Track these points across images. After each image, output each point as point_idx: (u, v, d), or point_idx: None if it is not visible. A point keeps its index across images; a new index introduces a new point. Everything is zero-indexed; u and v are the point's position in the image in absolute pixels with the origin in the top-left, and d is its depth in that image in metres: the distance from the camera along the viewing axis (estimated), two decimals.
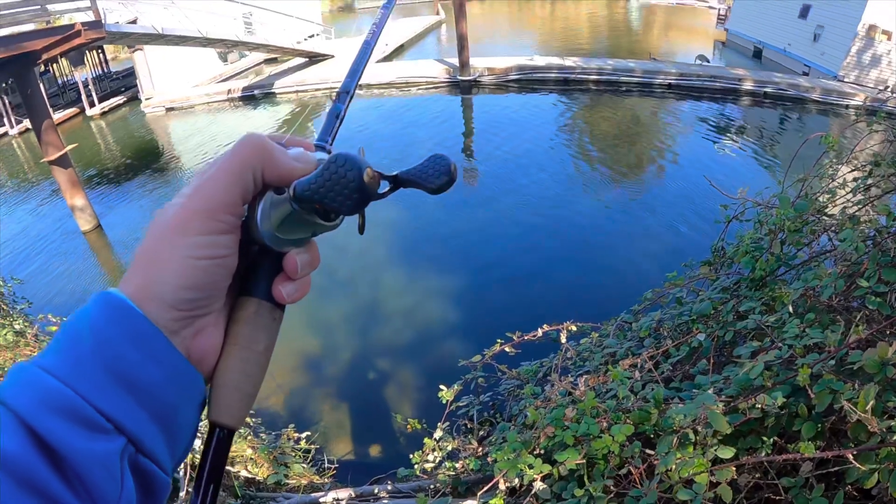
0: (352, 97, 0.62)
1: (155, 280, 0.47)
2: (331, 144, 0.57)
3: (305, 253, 0.53)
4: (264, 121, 20.35)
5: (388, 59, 25.19)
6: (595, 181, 12.83)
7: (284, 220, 0.49)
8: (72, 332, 0.45)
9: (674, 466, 1.81)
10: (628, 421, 2.20)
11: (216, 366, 0.51)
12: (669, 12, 35.44)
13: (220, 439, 0.50)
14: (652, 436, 2.16)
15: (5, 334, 4.66)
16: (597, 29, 32.15)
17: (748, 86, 17.24)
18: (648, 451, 2.08)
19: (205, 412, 0.51)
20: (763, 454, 1.80)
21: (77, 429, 0.41)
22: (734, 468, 1.76)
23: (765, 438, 1.83)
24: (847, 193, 3.00)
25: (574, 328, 3.67)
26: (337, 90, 0.62)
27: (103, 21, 12.98)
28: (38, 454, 0.40)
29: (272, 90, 22.44)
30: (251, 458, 4.61)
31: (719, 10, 28.70)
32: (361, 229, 0.54)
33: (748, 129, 15.66)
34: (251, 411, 4.96)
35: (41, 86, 13.08)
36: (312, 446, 5.36)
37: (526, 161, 13.61)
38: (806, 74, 18.57)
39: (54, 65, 25.12)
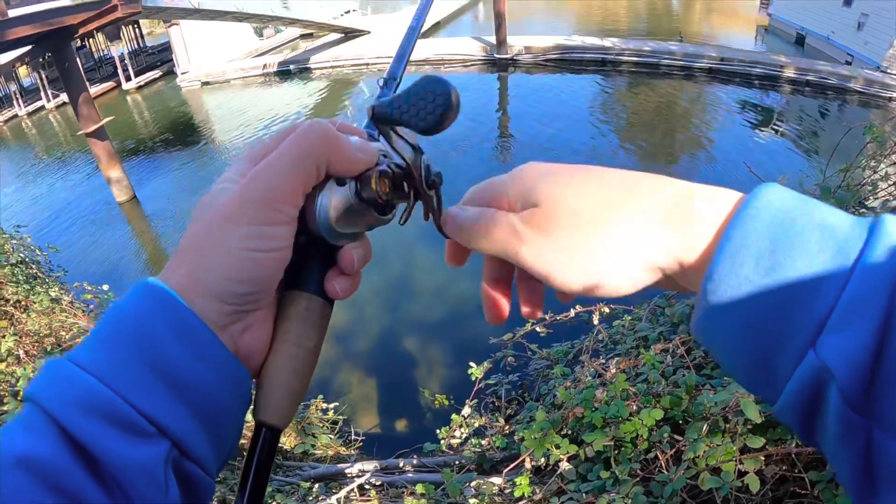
0: (399, 83, 0.58)
1: (204, 271, 0.43)
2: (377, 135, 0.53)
3: (360, 248, 0.51)
4: (299, 96, 20.38)
5: (424, 35, 25.05)
6: (631, 164, 12.68)
7: (345, 213, 0.47)
8: (111, 326, 0.42)
9: (702, 453, 1.81)
10: (658, 405, 2.19)
11: (264, 363, 0.48)
12: None
13: (267, 440, 0.47)
14: (681, 422, 2.16)
15: (41, 300, 4.77)
16: (635, 10, 31.58)
17: (790, 73, 16.83)
18: (677, 436, 2.08)
19: (250, 410, 0.48)
20: (792, 445, 1.79)
21: (117, 432, 0.38)
22: (762, 458, 1.75)
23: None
24: (889, 186, 2.94)
25: (607, 310, 3.65)
26: (384, 77, 0.58)
27: None
28: (73, 459, 0.37)
29: (307, 65, 22.45)
30: None
31: None
32: (404, 220, 0.51)
33: (788, 116, 15.32)
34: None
35: (78, 60, 13.24)
36: (340, 417, 5.42)
37: (561, 141, 13.49)
38: (849, 63, 18.09)
39: (91, 39, 25.50)
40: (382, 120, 0.44)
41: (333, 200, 0.47)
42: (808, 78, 16.45)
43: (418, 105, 0.44)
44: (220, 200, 0.45)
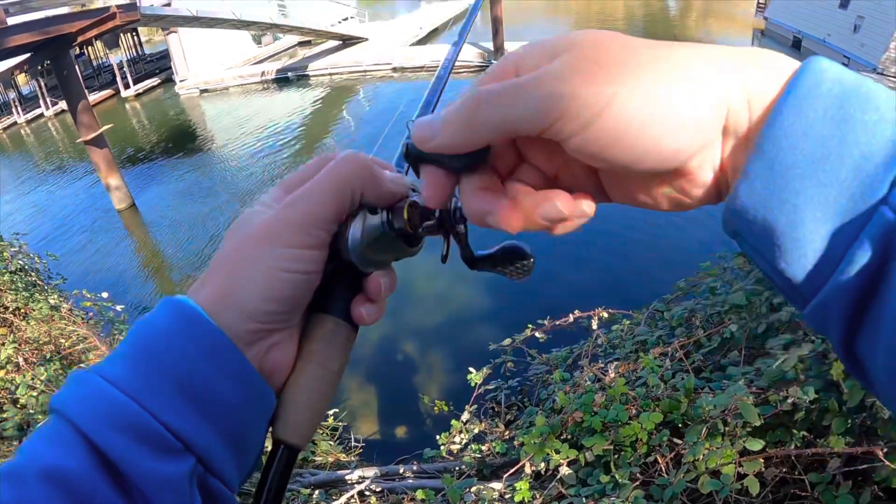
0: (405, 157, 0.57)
1: (235, 288, 0.44)
2: (406, 171, 0.54)
3: (387, 276, 0.51)
4: (297, 103, 20.40)
5: (421, 42, 25.13)
6: None
7: (375, 241, 0.48)
8: (139, 341, 0.42)
9: (702, 456, 1.81)
10: (657, 409, 2.20)
11: (287, 382, 0.48)
12: None
13: (284, 458, 0.48)
14: (680, 425, 2.16)
15: (41, 308, 4.77)
16: (633, 15, 31.66)
17: None
18: (676, 440, 2.08)
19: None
20: (792, 447, 1.80)
21: (146, 448, 0.38)
22: (762, 460, 1.75)
23: (794, 432, 1.82)
24: None
25: (605, 315, 3.66)
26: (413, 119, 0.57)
27: (138, 4, 13.14)
28: (101, 473, 0.37)
29: (306, 73, 22.50)
30: None
31: None
32: (444, 259, 0.50)
33: None
34: None
35: (77, 68, 13.30)
36: (340, 424, 5.41)
37: None
38: (845, 66, 18.13)
39: (89, 47, 25.63)
40: (415, 158, 0.43)
41: (365, 228, 0.48)
42: None
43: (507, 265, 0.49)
44: (255, 222, 0.46)
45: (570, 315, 3.70)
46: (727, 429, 1.87)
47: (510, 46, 19.74)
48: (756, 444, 1.77)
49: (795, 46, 21.60)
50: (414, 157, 0.42)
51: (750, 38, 24.47)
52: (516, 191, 0.40)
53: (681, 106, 0.33)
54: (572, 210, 0.39)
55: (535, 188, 0.41)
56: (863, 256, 0.31)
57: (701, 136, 0.34)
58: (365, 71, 21.89)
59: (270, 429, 0.48)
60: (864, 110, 0.31)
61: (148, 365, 0.41)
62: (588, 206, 0.40)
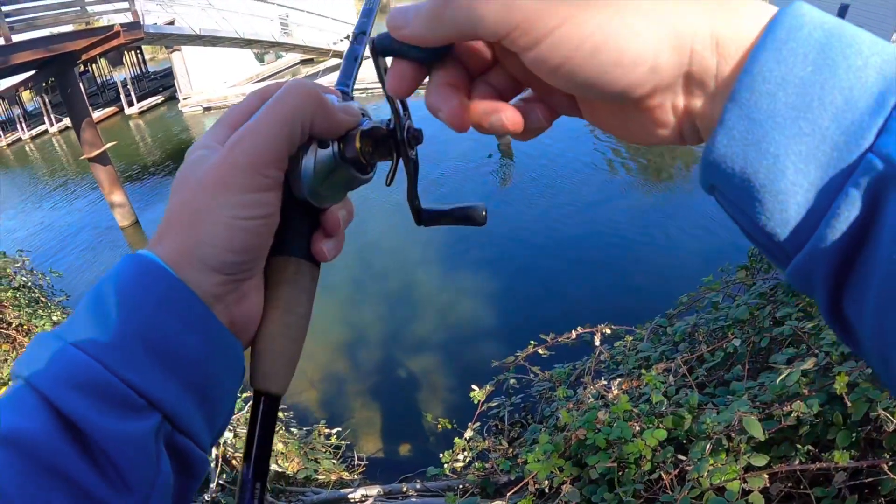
0: (368, 36, 0.56)
1: (196, 243, 0.43)
2: (351, 89, 0.55)
3: (343, 208, 0.50)
4: None
5: None
6: (631, 182, 12.69)
7: (329, 175, 0.47)
8: (99, 298, 0.41)
9: (706, 473, 1.80)
10: (661, 425, 2.18)
11: (258, 331, 0.48)
12: None
13: (266, 407, 0.47)
14: (685, 441, 2.15)
15: (43, 325, 4.78)
16: None
17: None
18: (681, 456, 2.07)
19: (246, 380, 0.49)
20: (796, 462, 1.78)
21: (106, 407, 0.37)
22: (767, 476, 1.74)
23: (798, 446, 1.81)
24: None
25: (608, 331, 3.65)
26: (353, 32, 0.57)
27: (142, 22, 13.22)
28: (61, 435, 0.36)
29: None
30: (282, 453, 4.66)
31: None
32: (389, 181, 0.50)
33: None
34: (282, 406, 5.04)
35: (81, 85, 13.39)
36: (343, 442, 5.40)
37: (563, 161, 13.51)
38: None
39: (94, 65, 25.85)
40: (380, 50, 0.42)
41: (317, 162, 0.46)
42: None
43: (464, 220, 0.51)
44: (202, 168, 0.44)
45: (573, 331, 3.69)
46: (731, 444, 1.86)
47: None
48: (761, 460, 1.76)
49: (841, 14, 21.67)
50: (379, 50, 0.41)
51: None
52: (475, 94, 0.40)
53: (637, 41, 0.32)
54: (516, 127, 0.39)
55: (504, 91, 0.41)
56: (849, 208, 0.29)
57: (655, 76, 0.33)
58: (367, 88, 21.97)
59: (249, 380, 0.48)
60: (846, 55, 0.30)
61: (108, 322, 0.40)
62: (536, 123, 0.41)
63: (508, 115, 0.39)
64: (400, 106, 0.47)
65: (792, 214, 0.31)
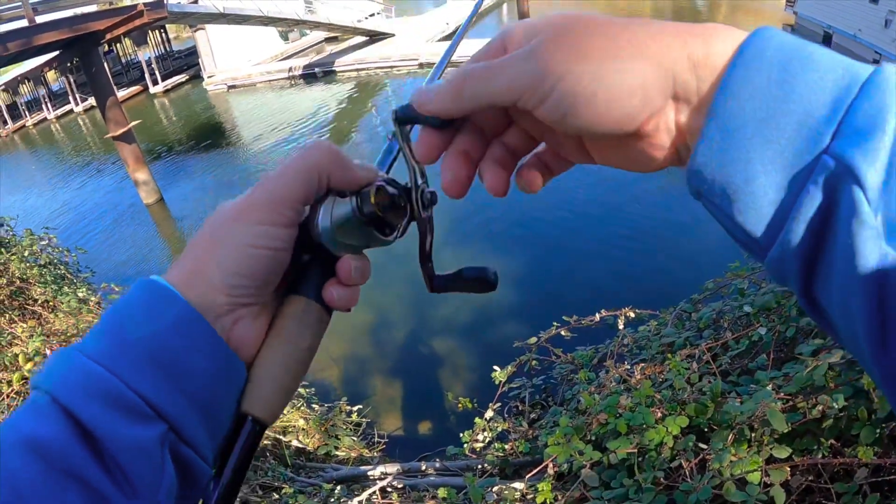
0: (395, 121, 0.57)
1: (206, 265, 0.47)
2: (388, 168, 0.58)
3: (358, 261, 0.53)
4: (324, 99, 20.49)
5: (448, 38, 25.07)
6: (650, 174, 12.57)
7: (344, 223, 0.50)
8: (114, 318, 0.45)
9: (727, 463, 1.79)
10: (683, 413, 2.17)
11: (257, 356, 0.50)
12: None
13: (251, 432, 0.48)
14: (706, 430, 2.13)
15: (69, 301, 4.84)
16: (661, 10, 31.33)
17: None
18: (702, 444, 2.05)
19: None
20: (819, 456, 1.76)
21: (118, 414, 0.40)
22: (788, 469, 1.73)
23: (822, 440, 1.79)
24: None
25: (632, 315, 3.63)
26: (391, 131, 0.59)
27: (165, 1, 13.27)
28: (77, 440, 0.39)
29: (332, 68, 22.60)
30: (303, 429, 4.71)
31: None
32: (401, 234, 0.55)
33: None
34: (305, 382, 5.08)
35: (105, 65, 13.52)
36: (363, 420, 5.45)
37: None
38: (877, 62, 17.72)
39: (118, 44, 26.06)
40: (402, 119, 0.48)
41: (334, 211, 0.50)
42: None
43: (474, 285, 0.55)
44: (228, 206, 0.50)
45: (597, 314, 3.67)
46: (754, 435, 1.84)
47: None
48: (783, 452, 1.74)
49: (826, 42, 21.22)
50: (401, 119, 0.48)
51: None
52: (488, 156, 0.48)
53: (626, 79, 0.38)
54: (495, 192, 0.48)
55: (518, 148, 0.49)
56: (810, 203, 0.34)
57: (649, 103, 0.39)
58: (391, 66, 21.92)
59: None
60: (804, 71, 0.35)
61: (122, 339, 0.43)
62: (522, 185, 0.50)
63: (487, 181, 0.48)
64: (417, 170, 0.51)
65: (764, 212, 0.36)
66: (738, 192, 0.36)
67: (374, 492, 3.47)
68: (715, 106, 0.37)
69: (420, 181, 0.51)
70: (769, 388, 1.96)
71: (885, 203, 0.32)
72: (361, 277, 0.53)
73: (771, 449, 1.75)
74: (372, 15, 26.77)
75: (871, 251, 0.32)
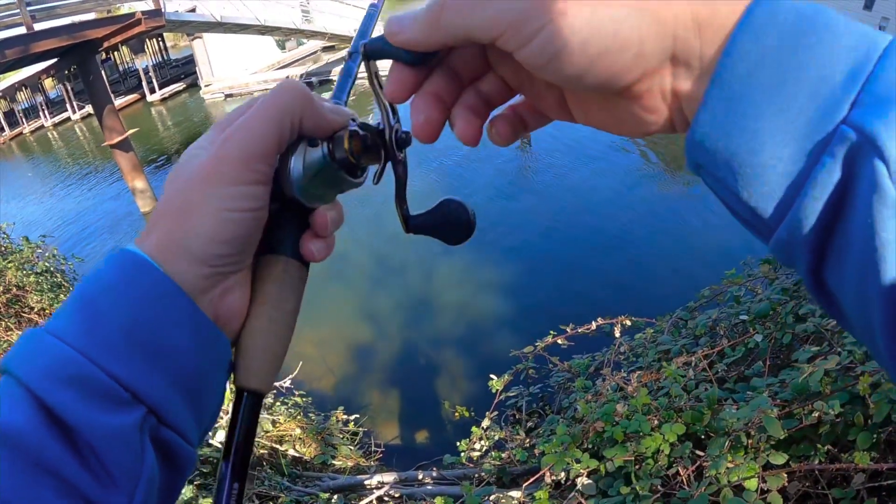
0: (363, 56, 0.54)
1: (183, 233, 0.43)
2: (345, 103, 0.55)
3: (333, 210, 0.50)
4: None
5: None
6: (653, 174, 12.58)
7: (318, 174, 0.47)
8: (85, 294, 0.42)
9: (724, 470, 1.79)
10: (680, 420, 2.17)
11: (243, 327, 0.48)
12: None
13: (249, 405, 0.47)
14: (703, 437, 2.13)
15: None
16: None
17: None
18: (699, 451, 2.05)
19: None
20: (816, 462, 1.77)
21: (91, 400, 0.38)
22: (785, 475, 1.73)
23: (818, 446, 1.79)
24: None
25: (628, 323, 3.63)
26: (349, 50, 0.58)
27: (163, 10, 13.27)
28: (48, 429, 0.37)
29: (329, 77, 22.61)
30: (299, 438, 4.69)
31: None
32: (377, 179, 0.51)
33: None
34: (301, 391, 5.07)
35: (103, 72, 13.52)
36: (360, 429, 5.43)
37: (581, 152, 13.43)
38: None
39: (115, 52, 26.11)
40: (372, 53, 0.44)
41: (306, 161, 0.47)
42: None
43: (447, 226, 0.50)
44: (194, 163, 0.45)
45: (593, 322, 3.68)
46: (750, 442, 1.85)
47: None
48: (779, 459, 1.75)
49: None
50: (371, 53, 0.44)
51: None
52: (461, 103, 0.43)
53: (622, 29, 0.34)
54: (465, 139, 0.43)
55: (494, 98, 0.44)
56: (825, 177, 0.31)
57: (643, 60, 0.35)
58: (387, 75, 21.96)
59: (232, 377, 0.48)
60: (820, 35, 0.31)
61: (94, 316, 0.40)
62: (494, 137, 0.45)
63: (457, 128, 0.43)
64: (389, 109, 0.48)
65: (773, 187, 0.33)
66: (743, 164, 0.33)
67: (371, 501, 3.47)
68: (719, 71, 0.33)
69: (393, 121, 0.49)
70: (765, 394, 1.97)
71: None
72: (337, 225, 0.51)
73: (768, 455, 1.76)
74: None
75: (893, 231, 0.29)
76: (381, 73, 0.47)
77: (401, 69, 0.43)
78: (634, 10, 0.34)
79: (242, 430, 0.46)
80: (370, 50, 0.43)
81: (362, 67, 0.51)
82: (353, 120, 0.50)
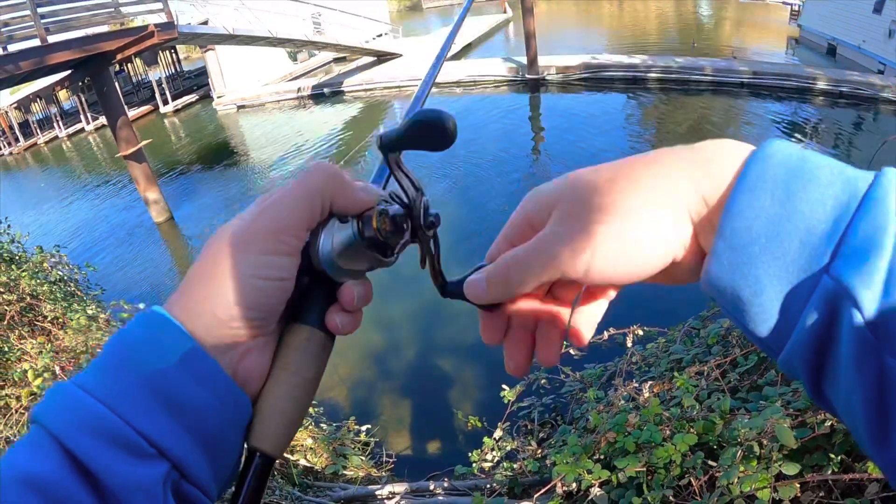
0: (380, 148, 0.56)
1: (209, 297, 0.45)
2: (383, 186, 0.57)
3: (361, 286, 0.52)
4: (332, 118, 20.60)
5: (455, 57, 25.22)
6: None
7: (346, 249, 0.49)
8: (114, 351, 0.44)
9: (736, 480, 1.77)
10: (692, 430, 2.16)
11: (262, 390, 0.49)
12: (741, 8, 33.88)
13: (260, 467, 0.47)
14: (715, 447, 2.12)
15: (79, 318, 4.84)
16: (666, 26, 31.41)
17: (823, 85, 16.45)
18: (711, 462, 2.04)
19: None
20: (829, 472, 1.75)
21: (118, 453, 0.39)
22: (798, 485, 1.71)
23: (832, 456, 1.78)
24: None
25: (640, 332, 3.61)
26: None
27: (175, 22, 13.40)
28: (76, 478, 0.38)
29: (341, 89, 22.73)
30: (311, 448, 4.69)
31: (792, 5, 27.28)
32: (422, 263, 0.53)
33: (823, 128, 15.00)
34: (313, 402, 5.03)
35: (116, 84, 13.65)
36: (372, 439, 5.42)
37: (596, 160, 13.28)
38: (881, 72, 17.71)
39: (129, 64, 26.42)
40: (390, 147, 0.47)
41: (336, 236, 0.49)
42: (842, 89, 16.09)
43: (424, 133, 0.47)
44: (228, 232, 0.48)
45: (605, 332, 3.66)
46: (763, 451, 1.83)
47: (543, 60, 19.68)
48: (792, 469, 1.73)
49: (830, 53, 21.24)
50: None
51: (784, 47, 24.14)
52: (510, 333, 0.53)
53: (651, 232, 0.42)
54: (517, 373, 0.54)
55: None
56: (813, 317, 0.36)
57: (673, 244, 0.43)
58: (399, 87, 22.04)
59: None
60: (805, 188, 0.37)
61: (121, 373, 0.42)
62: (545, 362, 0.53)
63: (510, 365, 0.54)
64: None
65: (772, 323, 0.38)
66: (747, 304, 0.39)
67: None
68: (722, 227, 0.39)
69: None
70: (778, 403, 1.95)
71: (884, 317, 0.33)
72: (364, 302, 0.53)
73: (780, 465, 1.74)
74: (380, 35, 27.02)
75: (871, 364, 0.34)
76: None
77: (488, 317, 0.52)
78: (654, 212, 0.42)
79: (250, 490, 0.47)
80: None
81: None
82: (385, 201, 0.52)
